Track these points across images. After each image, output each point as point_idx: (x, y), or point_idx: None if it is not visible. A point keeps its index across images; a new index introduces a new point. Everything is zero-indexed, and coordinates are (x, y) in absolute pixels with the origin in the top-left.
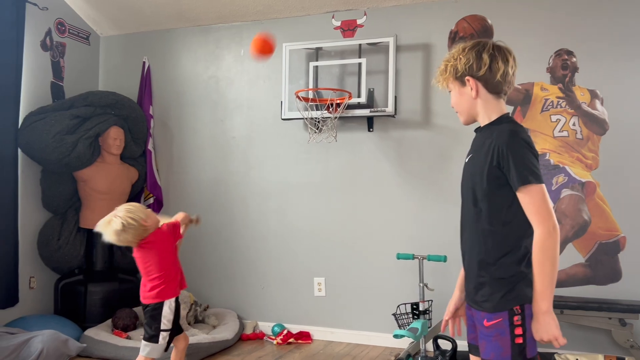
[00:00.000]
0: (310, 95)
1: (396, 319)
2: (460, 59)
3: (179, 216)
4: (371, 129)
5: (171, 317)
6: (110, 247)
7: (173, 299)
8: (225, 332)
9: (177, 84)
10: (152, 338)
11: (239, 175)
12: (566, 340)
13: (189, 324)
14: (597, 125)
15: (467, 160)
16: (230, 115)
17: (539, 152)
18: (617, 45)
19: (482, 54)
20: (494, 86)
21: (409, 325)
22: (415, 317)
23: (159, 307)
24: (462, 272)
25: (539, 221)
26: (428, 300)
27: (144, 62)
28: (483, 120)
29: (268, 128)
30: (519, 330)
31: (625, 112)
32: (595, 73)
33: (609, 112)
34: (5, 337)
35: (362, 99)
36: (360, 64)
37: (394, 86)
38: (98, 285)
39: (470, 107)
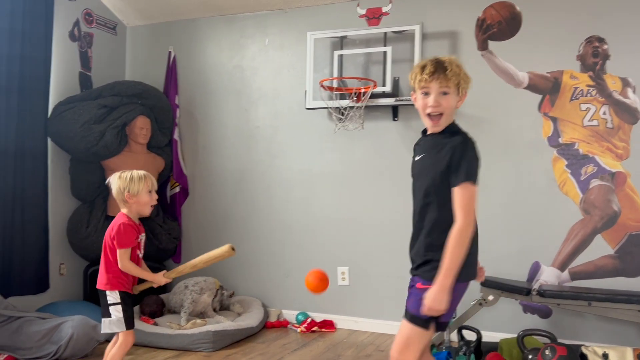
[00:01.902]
0: (335, 84)
1: None
2: (464, 75)
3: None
4: (396, 118)
5: (117, 296)
6: None
7: (117, 292)
8: (250, 319)
9: (202, 73)
10: (105, 314)
11: (263, 165)
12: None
13: (214, 310)
14: (628, 114)
15: (418, 158)
16: (254, 104)
17: (568, 142)
18: None
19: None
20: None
21: None
22: None
23: (103, 292)
24: None
25: (462, 214)
26: None
27: (170, 52)
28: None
29: (292, 117)
30: None
31: None
32: (628, 60)
33: None
34: (37, 321)
35: (387, 88)
36: (385, 53)
37: None
38: None
39: (452, 113)
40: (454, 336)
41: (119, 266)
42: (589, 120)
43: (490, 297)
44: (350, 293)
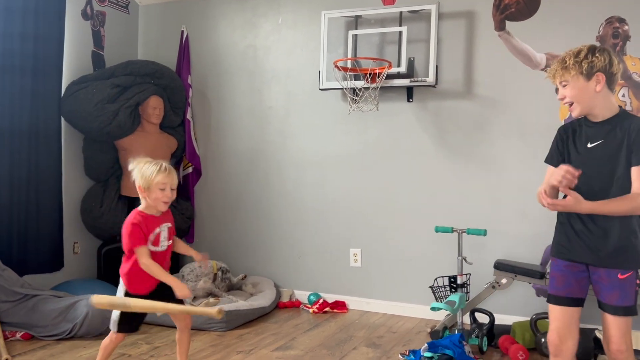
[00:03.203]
0: (349, 65)
1: (433, 292)
2: (585, 61)
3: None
4: (411, 100)
5: (122, 293)
6: None
7: (124, 288)
8: (263, 299)
9: (214, 53)
10: None
11: (275, 146)
12: None
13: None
14: None
15: (593, 145)
16: (267, 85)
17: None
18: None
19: (610, 54)
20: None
21: (445, 298)
22: (453, 290)
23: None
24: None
25: None
26: (466, 274)
27: (182, 31)
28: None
29: (305, 98)
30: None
31: None
32: None
33: None
34: (53, 300)
35: (402, 69)
36: (400, 33)
37: (435, 55)
38: None
39: (588, 98)
40: (466, 319)
41: (141, 265)
42: None
43: (504, 281)
44: (362, 274)
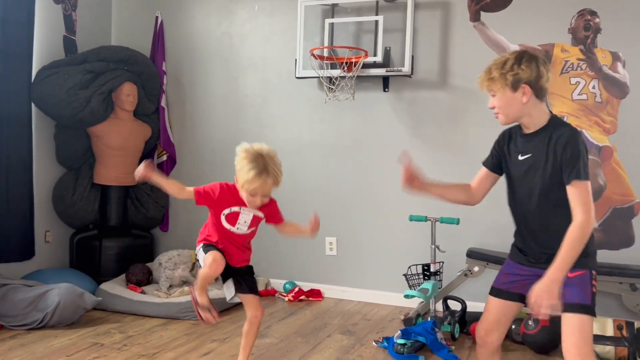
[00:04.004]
0: (326, 53)
1: (407, 280)
2: (511, 73)
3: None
4: (387, 89)
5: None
6: (124, 203)
7: (201, 244)
8: None
9: (190, 40)
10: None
11: (252, 134)
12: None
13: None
14: (617, 89)
15: (524, 158)
16: (243, 72)
17: (558, 115)
18: None
19: (539, 65)
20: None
21: (419, 285)
22: (426, 278)
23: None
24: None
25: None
26: (439, 262)
27: (157, 17)
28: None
29: (282, 86)
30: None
31: None
32: (619, 34)
33: (630, 75)
34: (23, 289)
35: (378, 58)
36: (377, 22)
37: (411, 45)
38: (112, 240)
39: (515, 109)
40: (439, 306)
41: None
42: (578, 94)
43: (476, 269)
44: (337, 263)
